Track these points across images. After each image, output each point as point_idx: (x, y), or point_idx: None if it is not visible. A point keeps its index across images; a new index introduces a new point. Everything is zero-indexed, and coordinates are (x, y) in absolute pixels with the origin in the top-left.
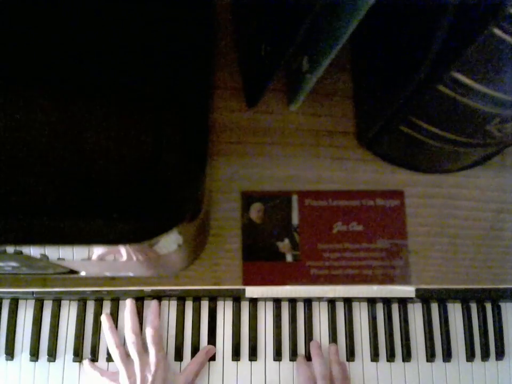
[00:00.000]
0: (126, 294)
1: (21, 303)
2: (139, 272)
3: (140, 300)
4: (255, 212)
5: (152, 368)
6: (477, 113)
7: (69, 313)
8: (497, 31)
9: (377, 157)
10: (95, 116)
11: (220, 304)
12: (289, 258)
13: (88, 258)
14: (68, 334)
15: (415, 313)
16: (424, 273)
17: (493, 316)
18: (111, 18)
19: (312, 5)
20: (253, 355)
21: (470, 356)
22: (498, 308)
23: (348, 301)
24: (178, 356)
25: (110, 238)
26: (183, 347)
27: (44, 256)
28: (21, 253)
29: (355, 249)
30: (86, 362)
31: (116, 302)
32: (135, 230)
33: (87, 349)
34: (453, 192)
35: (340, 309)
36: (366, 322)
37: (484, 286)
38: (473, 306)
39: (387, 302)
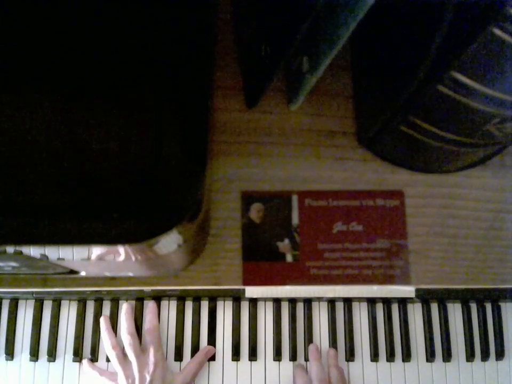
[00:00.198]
0: (126, 294)
1: (21, 303)
2: (139, 272)
3: (139, 300)
4: (255, 211)
5: (151, 368)
6: (477, 113)
7: (68, 313)
8: (497, 31)
9: (377, 157)
10: (95, 116)
11: (219, 304)
12: (289, 258)
13: (88, 258)
14: (67, 334)
15: (415, 313)
16: (424, 273)
17: (493, 316)
18: (111, 18)
19: (312, 5)
20: (252, 355)
21: (470, 356)
22: (498, 308)
23: (347, 301)
24: (178, 356)
25: (110, 238)
26: (183, 347)
27: (44, 256)
28: (21, 253)
29: (355, 249)
30: (85, 362)
31: (115, 302)
32: (135, 230)
33: (87, 349)
34: (453, 192)
35: (340, 309)
36: (366, 322)
37: (484, 286)
38: (473, 306)
39: (387, 302)
